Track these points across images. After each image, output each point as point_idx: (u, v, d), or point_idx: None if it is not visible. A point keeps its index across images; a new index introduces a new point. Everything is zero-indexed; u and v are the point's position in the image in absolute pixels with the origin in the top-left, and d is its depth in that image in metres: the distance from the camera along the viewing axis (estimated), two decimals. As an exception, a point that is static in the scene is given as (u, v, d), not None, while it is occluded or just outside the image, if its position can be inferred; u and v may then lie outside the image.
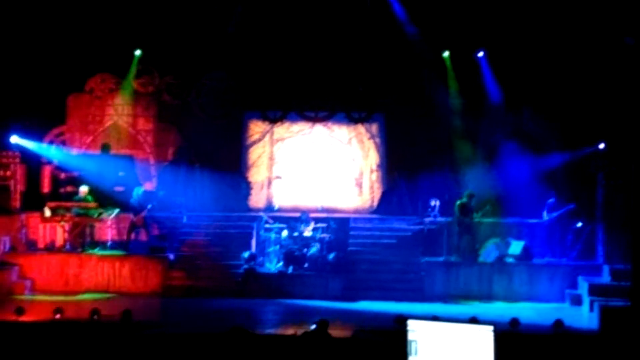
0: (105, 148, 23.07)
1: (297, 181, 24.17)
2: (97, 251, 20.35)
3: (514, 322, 15.08)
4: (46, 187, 22.45)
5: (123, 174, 22.40)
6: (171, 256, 20.33)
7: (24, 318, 15.58)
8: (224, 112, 23.34)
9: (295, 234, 20.47)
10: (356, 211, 23.71)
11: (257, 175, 24.29)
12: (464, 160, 22.47)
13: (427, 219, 20.97)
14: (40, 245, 20.75)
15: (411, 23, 22.21)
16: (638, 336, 13.77)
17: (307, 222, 20.73)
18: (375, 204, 23.96)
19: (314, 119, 23.96)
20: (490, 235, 20.40)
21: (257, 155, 24.41)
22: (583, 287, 18.60)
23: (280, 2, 22.20)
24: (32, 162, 21.91)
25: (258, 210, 22.90)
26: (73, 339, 13.03)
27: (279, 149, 24.42)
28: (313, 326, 10.99)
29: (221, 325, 12.82)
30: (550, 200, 20.65)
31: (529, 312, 17.53)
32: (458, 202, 20.05)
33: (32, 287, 19.60)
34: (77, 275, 19.87)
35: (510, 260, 19.96)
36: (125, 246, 20.54)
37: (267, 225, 21.07)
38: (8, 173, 20.98)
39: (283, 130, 24.38)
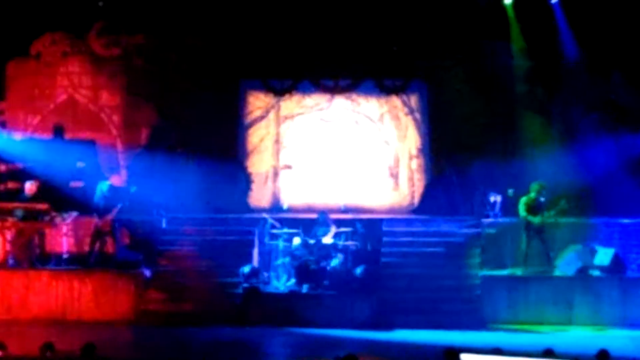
0: (57, 131, 23.16)
1: (311, 172, 24.28)
2: (50, 267, 20.39)
3: (602, 355, 15.00)
4: (-21, 184, 22.62)
5: (82, 164, 22.52)
6: (147, 272, 20.39)
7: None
8: (215, 81, 23.38)
9: (311, 241, 20.50)
10: (391, 210, 23.80)
11: (259, 164, 24.40)
12: (532, 141, 22.52)
13: (486, 220, 21.09)
14: (-28, 260, 20.88)
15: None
16: None
17: (326, 225, 20.76)
18: (417, 200, 24.08)
19: (334, 90, 24.00)
20: (569, 241, 20.49)
21: (259, 138, 24.50)
22: (693, 309, 18.62)
23: None
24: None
25: (261, 210, 23.05)
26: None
27: (288, 130, 24.51)
28: (336, 363, 10.99)
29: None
30: (649, 194, 20.72)
31: (621, 341, 17.47)
32: (524, 198, 20.04)
33: (-39, 316, 19.76)
34: (22, 299, 19.92)
35: (596, 273, 19.96)
36: (87, 260, 20.57)
37: (273, 231, 21.10)
38: None
39: (293, 104, 24.46)
